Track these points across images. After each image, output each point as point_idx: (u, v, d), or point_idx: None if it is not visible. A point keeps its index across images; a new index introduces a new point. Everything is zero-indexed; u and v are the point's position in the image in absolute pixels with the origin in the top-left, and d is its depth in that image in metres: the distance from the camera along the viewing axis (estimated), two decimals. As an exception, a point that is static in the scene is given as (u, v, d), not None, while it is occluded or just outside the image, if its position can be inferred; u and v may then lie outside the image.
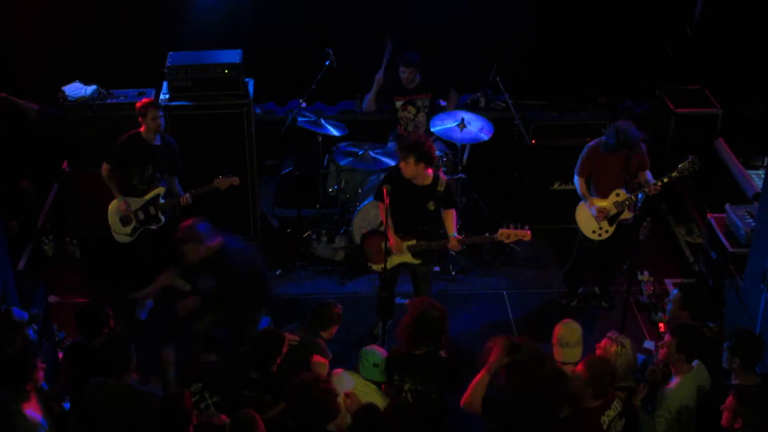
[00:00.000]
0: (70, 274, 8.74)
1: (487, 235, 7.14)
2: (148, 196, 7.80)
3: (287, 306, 8.27)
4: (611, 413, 5.52)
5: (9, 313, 6.28)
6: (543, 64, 9.74)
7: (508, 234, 7.04)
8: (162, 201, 7.84)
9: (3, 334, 6.14)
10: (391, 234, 7.07)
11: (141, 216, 7.83)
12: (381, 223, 7.41)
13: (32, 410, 5.70)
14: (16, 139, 8.97)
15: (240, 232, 8.88)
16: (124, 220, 7.82)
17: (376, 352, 6.21)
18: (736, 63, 9.61)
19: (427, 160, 6.94)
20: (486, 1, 9.47)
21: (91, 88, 8.56)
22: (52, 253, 8.91)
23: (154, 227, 7.89)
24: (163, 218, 7.90)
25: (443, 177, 7.15)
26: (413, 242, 7.18)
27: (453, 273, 8.69)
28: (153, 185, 7.82)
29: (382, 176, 7.50)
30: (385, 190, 6.86)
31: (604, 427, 5.48)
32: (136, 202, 7.81)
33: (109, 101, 8.57)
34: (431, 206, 7.11)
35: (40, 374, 5.76)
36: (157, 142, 7.80)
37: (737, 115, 9.45)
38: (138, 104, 7.75)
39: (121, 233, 7.88)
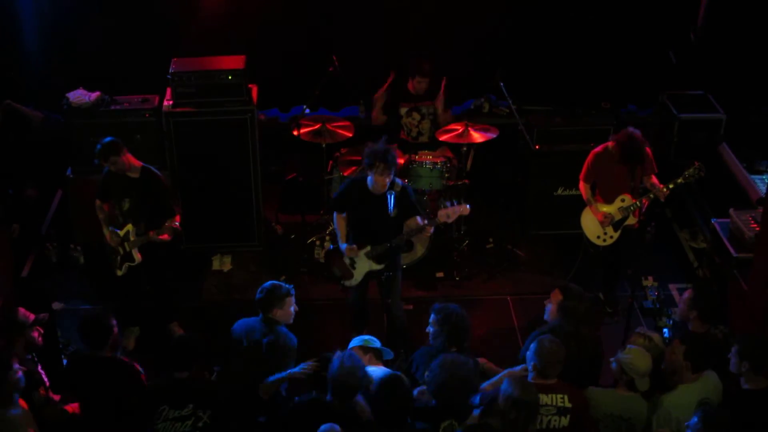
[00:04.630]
0: (75, 280, 8.73)
1: (429, 220, 7.04)
2: (122, 233, 7.47)
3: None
4: (546, 400, 5.54)
5: (13, 312, 6.26)
6: (546, 70, 9.74)
7: (447, 214, 6.96)
8: (132, 238, 7.44)
9: (6, 333, 6.14)
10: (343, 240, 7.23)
11: (120, 251, 7.53)
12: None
13: (18, 411, 5.67)
14: (20, 146, 8.98)
15: (243, 238, 8.97)
16: (111, 250, 7.59)
17: (371, 339, 6.30)
18: (739, 68, 9.61)
19: (393, 166, 6.95)
20: (489, 6, 9.47)
21: (94, 95, 8.56)
22: (56, 260, 8.91)
23: (134, 264, 7.51)
24: (138, 258, 7.47)
25: (397, 180, 7.10)
26: (368, 248, 7.16)
27: (457, 278, 8.68)
28: (131, 220, 7.45)
29: (342, 186, 7.38)
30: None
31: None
32: (116, 236, 7.51)
33: (112, 108, 8.57)
34: (394, 212, 7.02)
35: (19, 374, 5.72)
36: (136, 175, 7.40)
37: (741, 120, 9.44)
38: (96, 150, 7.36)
39: (114, 267, 7.62)
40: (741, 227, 7.59)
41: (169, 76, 8.45)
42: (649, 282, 8.48)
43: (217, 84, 8.46)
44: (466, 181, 8.64)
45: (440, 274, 8.74)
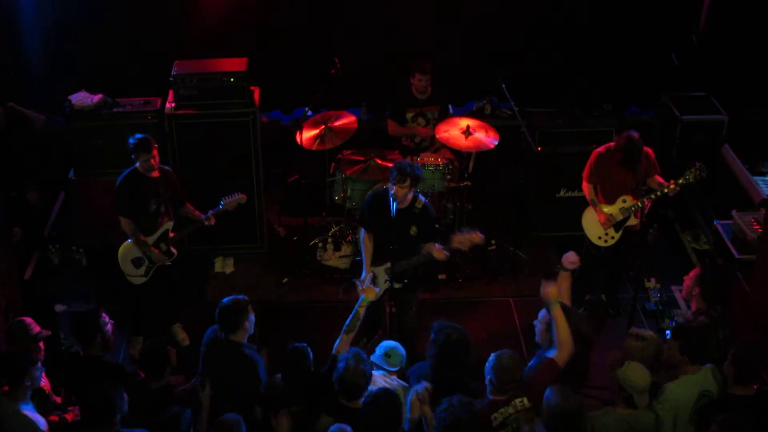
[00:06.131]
0: (77, 282, 8.73)
1: (446, 246, 6.98)
2: (156, 234, 7.52)
3: (293, 314, 8.28)
4: (509, 410, 5.52)
5: (24, 324, 6.26)
6: (549, 72, 9.74)
7: (460, 240, 6.94)
8: (171, 235, 7.59)
9: (24, 344, 6.15)
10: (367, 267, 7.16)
11: (161, 257, 7.57)
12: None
13: (30, 410, 5.71)
14: (23, 148, 8.98)
15: (246, 240, 8.98)
16: (137, 263, 7.57)
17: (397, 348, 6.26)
18: (741, 69, 9.61)
19: (417, 182, 6.95)
20: (491, 8, 9.47)
21: (97, 97, 8.58)
22: (58, 262, 8.89)
23: (169, 263, 7.63)
24: (175, 251, 7.65)
25: (420, 197, 7.13)
26: (387, 265, 7.09)
27: (459, 280, 8.68)
28: (159, 221, 7.53)
29: (365, 202, 7.33)
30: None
31: (495, 423, 5.49)
32: (147, 244, 7.54)
33: (115, 110, 8.60)
34: (413, 230, 7.04)
35: (38, 373, 5.79)
36: (157, 174, 7.47)
37: (743, 122, 9.44)
38: (132, 144, 7.35)
39: (136, 275, 7.61)
40: (743, 229, 7.60)
41: (171, 79, 8.46)
42: (651, 284, 8.48)
43: (219, 86, 8.46)
44: (468, 182, 8.63)
45: (443, 276, 8.73)
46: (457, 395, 5.37)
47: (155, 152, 7.38)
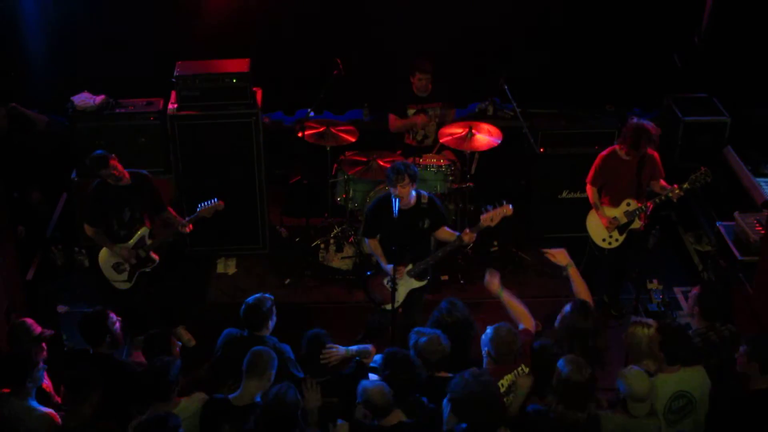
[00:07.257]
0: (79, 283, 8.73)
1: (473, 227, 6.97)
2: (132, 241, 7.41)
3: (295, 315, 8.27)
4: (512, 377, 5.66)
5: (26, 325, 6.26)
6: (551, 73, 9.74)
7: (490, 217, 6.89)
8: (149, 242, 7.44)
9: (26, 345, 6.15)
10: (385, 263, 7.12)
11: (133, 261, 7.47)
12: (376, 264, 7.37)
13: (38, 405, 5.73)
14: (26, 149, 8.99)
15: (248, 241, 8.98)
16: (117, 268, 7.51)
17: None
18: (744, 71, 9.60)
19: (415, 179, 6.93)
20: (493, 9, 9.47)
21: (99, 98, 8.59)
22: (61, 263, 8.92)
23: (148, 269, 7.55)
24: (156, 258, 7.54)
25: (423, 192, 7.13)
26: (410, 266, 7.11)
27: (461, 281, 8.68)
28: (135, 228, 7.42)
29: (369, 211, 7.33)
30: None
31: (502, 390, 5.58)
32: (126, 249, 7.43)
33: (117, 111, 8.61)
34: (426, 224, 7.06)
35: (40, 373, 5.80)
36: (128, 181, 7.29)
37: (746, 123, 9.43)
38: (89, 164, 7.24)
39: (119, 281, 7.55)
40: (746, 230, 7.59)
41: (173, 80, 8.46)
42: (654, 285, 8.45)
43: (221, 87, 8.46)
44: (470, 184, 8.64)
45: (445, 278, 8.73)
46: (470, 369, 5.37)
47: (114, 163, 7.18)
